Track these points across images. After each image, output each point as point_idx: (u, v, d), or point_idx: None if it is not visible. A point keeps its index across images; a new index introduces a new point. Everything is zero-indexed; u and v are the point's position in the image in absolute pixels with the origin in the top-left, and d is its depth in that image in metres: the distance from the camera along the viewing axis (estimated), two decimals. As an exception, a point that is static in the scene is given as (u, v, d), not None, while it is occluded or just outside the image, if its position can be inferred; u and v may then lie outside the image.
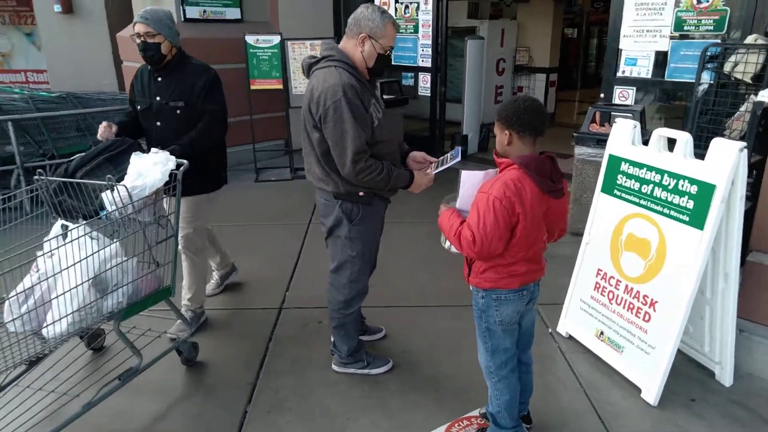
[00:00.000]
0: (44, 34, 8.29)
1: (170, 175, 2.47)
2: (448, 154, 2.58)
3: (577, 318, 3.09)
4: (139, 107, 3.00)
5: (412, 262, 4.12)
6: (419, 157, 2.64)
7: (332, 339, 2.86)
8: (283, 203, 5.56)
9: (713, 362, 2.76)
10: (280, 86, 6.23)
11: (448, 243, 2.14)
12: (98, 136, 2.84)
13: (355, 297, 2.66)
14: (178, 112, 2.90)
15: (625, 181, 2.83)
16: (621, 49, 5.28)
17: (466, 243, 1.94)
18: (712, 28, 4.70)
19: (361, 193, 2.46)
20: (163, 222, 2.57)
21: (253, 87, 6.23)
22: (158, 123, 2.96)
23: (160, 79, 2.94)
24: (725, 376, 2.71)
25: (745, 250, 2.84)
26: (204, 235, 3.28)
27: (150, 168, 2.43)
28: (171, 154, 2.52)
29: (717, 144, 2.42)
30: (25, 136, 5.22)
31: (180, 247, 3.02)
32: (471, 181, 2.01)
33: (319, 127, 2.35)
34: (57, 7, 7.98)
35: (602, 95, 5.46)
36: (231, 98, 6.46)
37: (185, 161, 2.56)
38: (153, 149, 2.55)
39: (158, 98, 2.92)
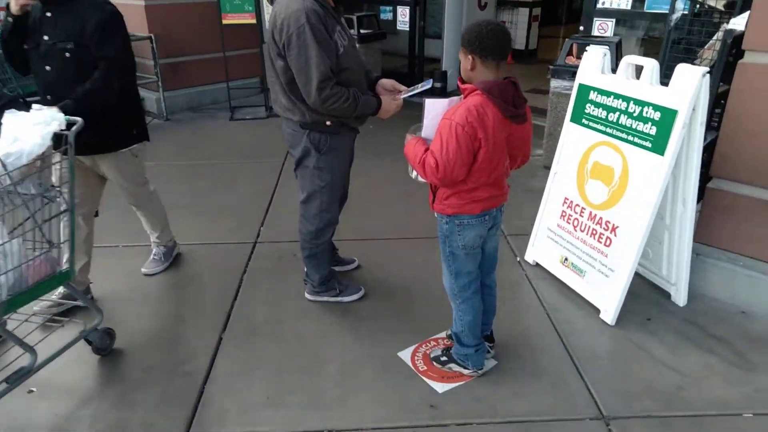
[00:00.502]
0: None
1: (61, 136, 2.08)
2: (419, 84, 2.58)
3: (544, 246, 3.18)
4: (26, 46, 2.46)
5: (388, 196, 4.17)
6: (388, 84, 2.62)
7: (305, 269, 2.93)
8: (258, 141, 5.51)
9: (669, 284, 2.88)
10: (254, 20, 6.04)
11: (414, 173, 2.17)
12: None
13: (325, 227, 2.71)
14: (68, 55, 2.41)
15: (593, 110, 2.85)
16: (600, -21, 5.17)
17: (430, 169, 1.97)
18: (692, -44, 4.61)
19: (328, 123, 2.45)
20: (53, 194, 2.17)
21: (225, 21, 6.02)
22: (47, 67, 2.45)
23: (48, 13, 2.42)
24: (680, 296, 2.84)
25: (707, 177, 2.92)
26: (145, 184, 3.10)
27: (28, 130, 2.00)
28: (63, 110, 2.14)
29: (681, 70, 2.43)
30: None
31: (132, 204, 3.07)
32: (435, 109, 2.02)
33: (283, 54, 2.32)
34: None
35: (581, 28, 5.39)
36: (203, 34, 6.34)
37: (79, 119, 2.14)
38: (35, 105, 2.14)
39: (45, 37, 2.41)
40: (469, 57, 1.93)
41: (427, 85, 2.51)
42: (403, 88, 2.64)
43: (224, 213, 3.93)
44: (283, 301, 2.92)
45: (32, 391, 2.31)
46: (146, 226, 3.23)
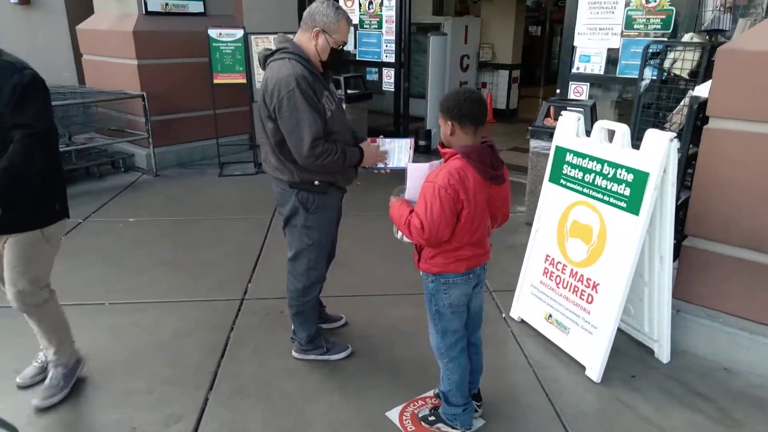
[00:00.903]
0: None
1: None
2: (396, 140, 2.70)
3: (528, 302, 3.24)
4: None
5: (374, 253, 4.22)
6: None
7: (292, 326, 2.94)
8: (246, 197, 5.59)
9: (652, 340, 2.94)
10: (244, 80, 6.24)
11: (399, 233, 2.24)
12: None
13: (312, 284, 2.74)
14: None
15: (570, 171, 2.98)
16: (575, 47, 5.48)
17: (416, 230, 2.04)
18: (659, 26, 4.93)
19: (316, 182, 2.54)
20: None
21: (216, 81, 6.21)
22: None
23: None
24: (663, 353, 2.89)
25: (682, 236, 3.03)
26: (44, 285, 2.58)
27: None
28: None
29: (650, 134, 2.58)
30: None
31: (15, 307, 2.48)
32: (417, 173, 2.12)
33: (274, 117, 2.42)
34: (13, -1, 7.79)
35: (558, 91, 5.66)
36: (194, 92, 6.52)
37: None
38: None
39: None
40: (449, 123, 2.04)
41: (403, 161, 2.63)
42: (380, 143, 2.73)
43: (210, 269, 3.95)
44: (271, 359, 2.91)
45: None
46: (40, 340, 2.64)
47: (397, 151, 2.68)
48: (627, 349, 2.99)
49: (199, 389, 2.67)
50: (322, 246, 2.69)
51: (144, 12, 6.27)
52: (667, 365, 2.88)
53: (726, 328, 2.86)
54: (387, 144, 2.71)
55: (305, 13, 2.51)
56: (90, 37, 6.85)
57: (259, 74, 6.24)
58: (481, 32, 9.81)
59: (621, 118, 6.84)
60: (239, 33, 6.14)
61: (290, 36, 2.57)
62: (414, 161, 2.42)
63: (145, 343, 3.05)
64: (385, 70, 7.26)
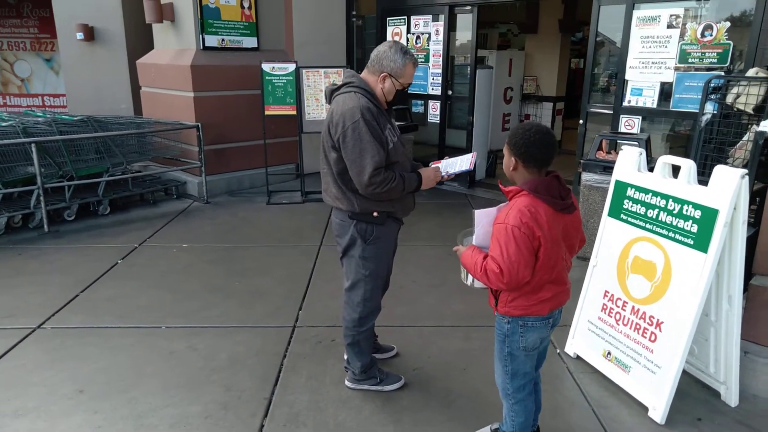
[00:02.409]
0: (66, 61, 8.57)
1: None
2: (458, 157, 2.72)
3: (585, 339, 3.15)
4: None
5: (422, 284, 4.21)
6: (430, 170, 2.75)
7: (345, 356, 2.94)
8: (294, 225, 5.68)
9: (718, 382, 2.81)
10: (294, 112, 6.41)
11: (470, 279, 2.15)
12: None
13: (368, 315, 2.75)
14: None
15: (631, 206, 2.93)
16: (627, 80, 5.44)
17: (494, 276, 1.95)
18: (715, 60, 4.86)
19: (375, 213, 2.57)
20: None
21: (267, 113, 6.40)
22: None
23: None
24: (730, 396, 2.76)
25: (749, 274, 2.92)
26: None
27: None
28: None
29: (720, 171, 2.52)
30: (47, 158, 5.39)
31: None
32: (486, 218, 2.07)
33: (337, 147, 2.48)
34: (80, 35, 8.27)
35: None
36: (245, 123, 6.74)
37: None
38: None
39: None
40: (513, 159, 2.01)
41: (466, 165, 2.65)
42: (444, 163, 2.75)
43: (262, 296, 4.00)
44: (324, 387, 2.91)
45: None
46: None
47: (459, 162, 2.69)
48: (691, 390, 2.87)
49: (255, 416, 2.68)
50: (378, 277, 2.71)
51: (202, 47, 6.55)
52: (735, 409, 2.75)
53: (800, 372, 2.72)
54: (450, 160, 2.73)
55: (373, 56, 2.56)
56: (149, 71, 7.18)
57: (308, 106, 6.41)
58: (525, 65, 9.85)
59: (671, 151, 6.71)
60: (291, 67, 6.34)
61: (356, 72, 2.64)
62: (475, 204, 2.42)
63: (201, 368, 3.09)
64: (431, 102, 7.35)
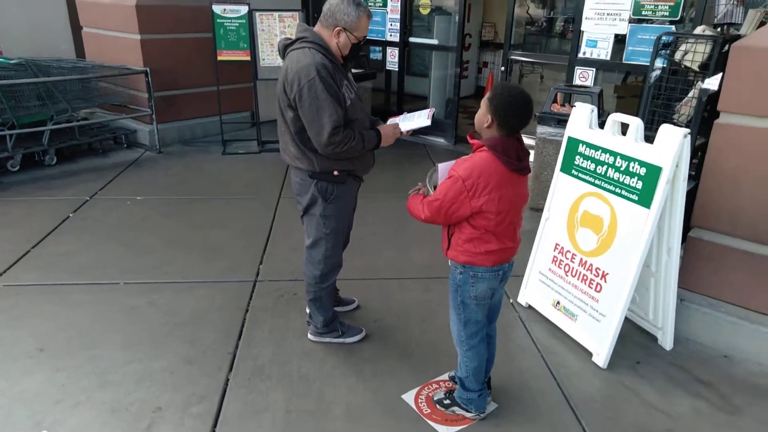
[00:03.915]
0: (-5, -4, 7.90)
1: None
2: (416, 112, 2.74)
3: (536, 289, 3.33)
4: None
5: (384, 235, 4.29)
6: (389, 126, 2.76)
7: (308, 310, 3.01)
8: (252, 176, 5.61)
9: (656, 328, 3.05)
10: (248, 58, 6.19)
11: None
12: None
13: (330, 271, 2.81)
14: None
15: (582, 162, 3.04)
16: (583, 31, 5.48)
17: (428, 206, 2.18)
18: (668, 13, 4.95)
19: (335, 173, 2.58)
20: None
21: (220, 58, 6.16)
22: None
23: None
24: (666, 340, 3.00)
25: (688, 226, 3.11)
26: None
27: None
28: None
29: (664, 130, 2.63)
30: (-17, 105, 5.08)
31: None
32: (447, 171, 2.17)
33: (294, 106, 2.44)
34: (9, -33, 7.60)
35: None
36: (197, 68, 6.47)
37: None
38: None
39: None
40: (489, 116, 2.06)
41: (424, 121, 2.68)
42: (401, 120, 2.77)
43: (221, 250, 4.00)
44: (287, 341, 2.99)
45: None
46: None
47: (417, 117, 2.72)
48: (632, 335, 3.10)
49: (220, 370, 2.75)
50: (339, 234, 2.75)
51: (147, -15, 6.16)
52: (670, 352, 2.99)
53: (728, 317, 2.97)
54: (407, 116, 2.75)
55: (325, 9, 2.49)
56: (91, 9, 6.73)
57: (263, 52, 6.20)
58: (483, 11, 9.73)
59: (621, 100, 6.90)
60: (244, 9, 6.07)
61: (309, 27, 2.57)
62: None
63: (163, 324, 3.11)
64: (389, 49, 7.22)
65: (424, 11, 7.28)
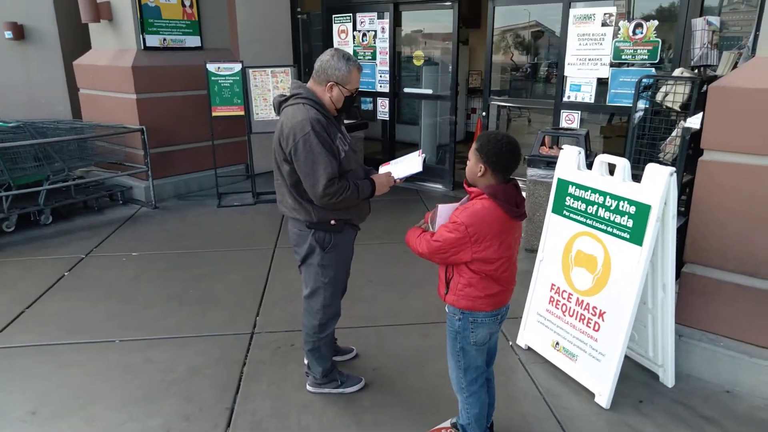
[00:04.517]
0: (-6, 61, 8.13)
1: None
2: (406, 156, 2.80)
3: (535, 330, 3.32)
4: None
5: (380, 282, 4.28)
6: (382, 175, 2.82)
7: (306, 361, 2.98)
8: (247, 227, 5.64)
9: (657, 365, 3.03)
10: (242, 113, 6.34)
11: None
12: None
13: (328, 320, 2.80)
14: None
15: (573, 203, 3.09)
16: (566, 76, 5.67)
17: (425, 243, 2.18)
18: (647, 57, 5.14)
19: (332, 222, 2.62)
20: None
21: (214, 114, 6.31)
22: None
23: None
24: (668, 377, 2.98)
25: (681, 262, 3.14)
26: None
27: None
28: None
29: (651, 169, 2.70)
30: (-20, 167, 5.14)
31: None
32: (447, 212, 2.20)
33: (290, 160, 2.50)
34: (8, 34, 7.86)
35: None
36: (191, 125, 6.61)
37: None
38: None
39: None
40: (481, 165, 2.11)
41: (416, 167, 2.74)
42: (393, 167, 2.83)
43: (218, 302, 3.98)
44: (286, 393, 2.95)
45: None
46: None
47: (408, 161, 2.77)
48: (633, 374, 3.08)
49: (217, 427, 2.70)
50: (337, 283, 2.76)
51: (142, 47, 6.37)
52: (672, 389, 2.97)
53: (727, 351, 2.96)
54: (399, 161, 2.80)
55: (316, 66, 2.58)
56: (88, 72, 6.92)
57: (257, 107, 6.35)
58: (469, 59, 10.05)
59: (607, 140, 7.06)
60: (237, 67, 6.26)
61: (302, 82, 2.66)
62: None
63: (160, 381, 3.07)
64: (379, 100, 7.41)
65: (418, 63, 7.52)
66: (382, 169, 2.85)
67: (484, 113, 6.76)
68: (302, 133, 2.43)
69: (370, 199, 2.71)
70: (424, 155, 2.82)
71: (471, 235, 2.08)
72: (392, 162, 2.87)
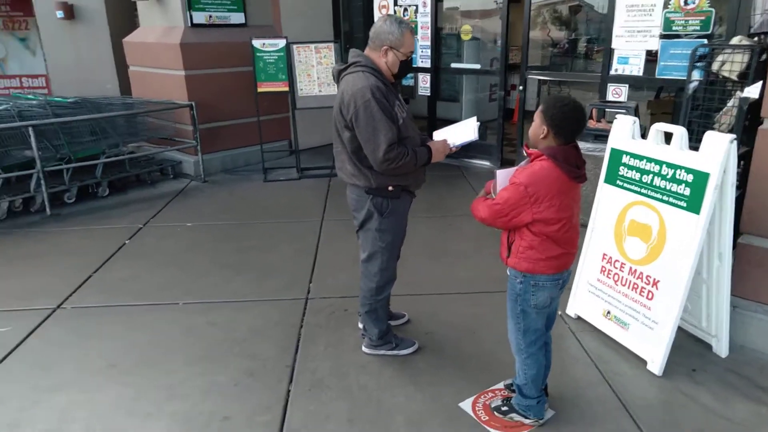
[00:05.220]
0: (47, 40, 8.43)
1: None
2: (460, 123, 2.85)
3: (585, 300, 3.35)
4: None
5: (426, 255, 4.36)
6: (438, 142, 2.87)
7: (360, 325, 3.10)
8: (294, 201, 5.78)
9: (710, 336, 3.04)
10: (286, 88, 6.44)
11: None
12: None
13: (385, 284, 2.91)
14: None
15: (627, 172, 3.10)
16: (614, 49, 5.57)
17: (487, 208, 2.25)
18: (698, 28, 5.00)
19: (390, 188, 2.70)
20: None
21: (260, 89, 6.43)
22: None
23: None
24: (721, 348, 2.99)
25: (736, 233, 3.12)
26: None
27: None
28: None
29: (710, 136, 2.69)
30: (43, 141, 5.39)
31: None
32: (505, 176, 2.26)
33: (351, 126, 2.58)
34: (60, 14, 8.12)
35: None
36: (238, 100, 6.75)
37: None
38: None
39: None
40: (545, 127, 2.16)
41: (471, 135, 2.78)
42: (448, 134, 2.89)
43: (271, 270, 4.13)
44: (343, 354, 3.08)
45: (120, 442, 2.46)
46: None
47: (463, 128, 2.82)
48: (685, 344, 3.09)
49: (281, 382, 2.85)
50: (394, 247, 2.86)
51: (190, 24, 6.51)
52: (726, 359, 2.98)
53: (783, 323, 2.95)
54: (453, 127, 2.85)
55: (371, 33, 2.66)
56: (138, 49, 7.12)
57: (301, 82, 6.44)
58: (509, 36, 9.89)
59: (654, 117, 6.92)
60: (282, 43, 6.34)
61: (361, 52, 2.72)
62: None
63: (223, 340, 3.24)
64: (420, 75, 7.41)
65: (466, 38, 7.52)
66: (436, 135, 2.91)
67: (521, 87, 6.70)
68: (363, 100, 2.51)
69: (426, 166, 2.78)
70: (479, 123, 2.86)
71: (530, 195, 2.13)
72: (446, 128, 2.91)
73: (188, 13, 6.51)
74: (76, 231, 4.96)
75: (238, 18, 6.96)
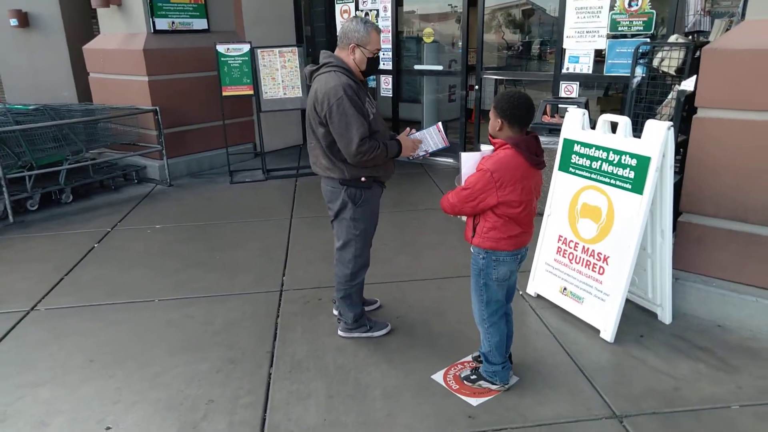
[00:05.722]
0: (0, 49, 8.27)
1: None
2: (425, 130, 3.04)
3: (543, 279, 3.60)
4: None
5: (394, 246, 4.55)
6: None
7: (335, 312, 3.26)
8: (261, 201, 5.88)
9: (655, 305, 3.33)
10: (251, 92, 6.54)
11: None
12: None
13: (359, 269, 3.08)
14: None
15: (578, 160, 3.36)
16: (565, 49, 5.91)
17: (455, 195, 2.46)
18: (642, 28, 5.38)
19: (363, 179, 2.87)
20: None
21: (225, 93, 6.51)
22: None
23: None
24: (666, 315, 3.28)
25: (677, 214, 3.43)
26: None
27: None
28: None
29: (650, 124, 2.97)
30: (4, 148, 5.34)
31: None
32: (471, 160, 2.48)
33: (325, 123, 2.75)
34: (13, 21, 8.00)
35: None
36: (202, 105, 6.81)
37: None
38: None
39: None
40: (499, 120, 2.39)
41: (441, 143, 2.99)
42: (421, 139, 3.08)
43: (244, 267, 4.24)
44: (320, 338, 3.23)
45: (109, 428, 2.54)
46: None
47: (429, 137, 3.02)
48: (633, 314, 3.37)
49: (262, 367, 2.97)
50: (367, 235, 3.03)
51: (152, 30, 6.54)
52: (670, 326, 3.27)
53: (719, 291, 3.26)
54: (418, 134, 3.05)
55: (339, 33, 2.86)
56: (97, 57, 7.09)
57: (265, 86, 6.56)
58: (469, 38, 10.22)
59: (602, 112, 7.33)
60: (246, 47, 6.45)
61: (331, 53, 2.89)
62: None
63: (202, 332, 3.34)
64: (382, 77, 7.63)
65: (428, 40, 7.76)
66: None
67: (476, 87, 7.00)
68: (336, 98, 2.68)
69: (395, 159, 2.97)
70: (440, 126, 3.06)
71: (496, 180, 2.35)
72: (418, 134, 3.09)
73: (151, 19, 6.54)
74: (43, 237, 4.94)
75: (200, 24, 7.02)
